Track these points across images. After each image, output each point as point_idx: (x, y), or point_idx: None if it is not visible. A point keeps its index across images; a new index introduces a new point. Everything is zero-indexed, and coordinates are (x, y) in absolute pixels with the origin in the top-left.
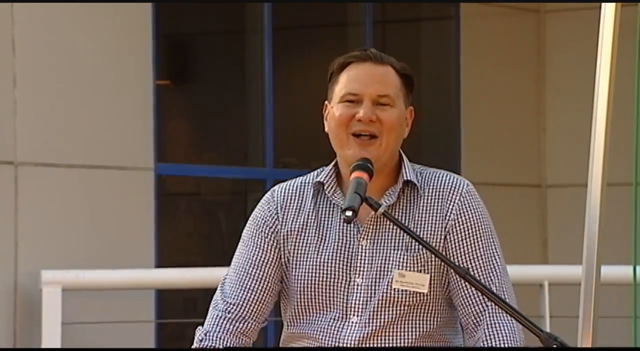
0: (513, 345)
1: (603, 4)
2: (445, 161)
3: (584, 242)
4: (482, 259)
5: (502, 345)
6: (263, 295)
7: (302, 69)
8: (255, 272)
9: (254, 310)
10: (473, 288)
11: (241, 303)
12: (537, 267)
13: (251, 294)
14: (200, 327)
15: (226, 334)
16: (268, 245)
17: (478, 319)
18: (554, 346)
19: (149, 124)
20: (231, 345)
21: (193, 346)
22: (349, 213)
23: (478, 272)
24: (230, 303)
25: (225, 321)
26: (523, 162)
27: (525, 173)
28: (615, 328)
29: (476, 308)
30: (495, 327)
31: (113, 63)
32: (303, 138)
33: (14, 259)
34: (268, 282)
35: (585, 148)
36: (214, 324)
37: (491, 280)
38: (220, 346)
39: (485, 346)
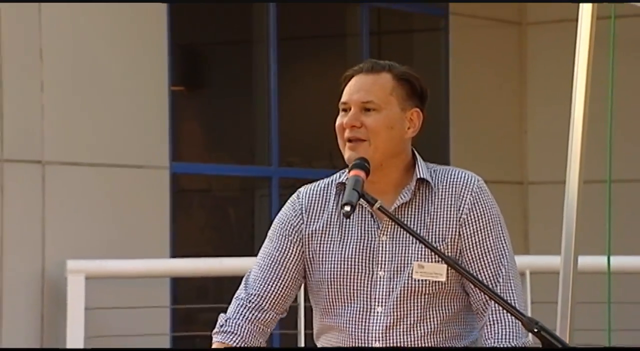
0: (515, 331)
1: (580, 4)
2: (436, 160)
3: (563, 234)
4: (492, 250)
5: (505, 330)
6: (283, 289)
7: (305, 75)
8: (277, 268)
9: (274, 302)
10: (482, 276)
11: (262, 294)
12: (520, 257)
13: (272, 287)
14: (222, 314)
15: (245, 322)
16: (291, 243)
17: (485, 305)
18: (535, 330)
19: (164, 126)
20: (249, 333)
21: (214, 331)
22: (347, 208)
23: (488, 262)
24: (252, 294)
25: (245, 310)
26: (506, 161)
27: (508, 171)
28: (590, 313)
29: (484, 295)
30: (500, 315)
31: (132, 70)
32: (306, 139)
33: (41, 250)
34: (289, 277)
35: (563, 148)
36: (235, 312)
37: (500, 270)
38: (239, 332)
39: (490, 331)
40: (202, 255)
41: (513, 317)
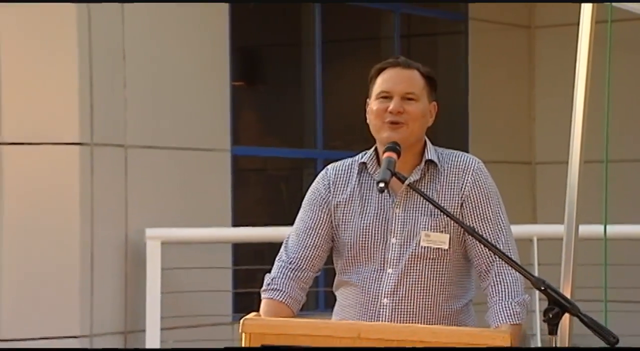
0: (515, 290)
1: (582, 4)
2: (456, 144)
3: (566, 206)
4: (491, 221)
5: (508, 289)
6: (317, 251)
7: (345, 72)
8: (312, 233)
9: (310, 262)
10: (483, 246)
11: (300, 256)
12: (529, 226)
13: (308, 250)
14: (268, 274)
15: (288, 280)
16: (322, 212)
17: (488, 268)
18: (542, 288)
19: (226, 116)
20: (292, 289)
21: (262, 289)
22: (381, 184)
23: (488, 231)
24: (292, 257)
25: (287, 270)
26: (517, 144)
27: (518, 153)
28: (589, 273)
29: (487, 259)
30: (501, 276)
31: (199, 69)
32: (346, 126)
33: (124, 220)
34: (321, 241)
35: (566, 133)
36: (278, 272)
37: (498, 237)
38: (284, 289)
39: (493, 290)
40: (258, 224)
41: (513, 278)
